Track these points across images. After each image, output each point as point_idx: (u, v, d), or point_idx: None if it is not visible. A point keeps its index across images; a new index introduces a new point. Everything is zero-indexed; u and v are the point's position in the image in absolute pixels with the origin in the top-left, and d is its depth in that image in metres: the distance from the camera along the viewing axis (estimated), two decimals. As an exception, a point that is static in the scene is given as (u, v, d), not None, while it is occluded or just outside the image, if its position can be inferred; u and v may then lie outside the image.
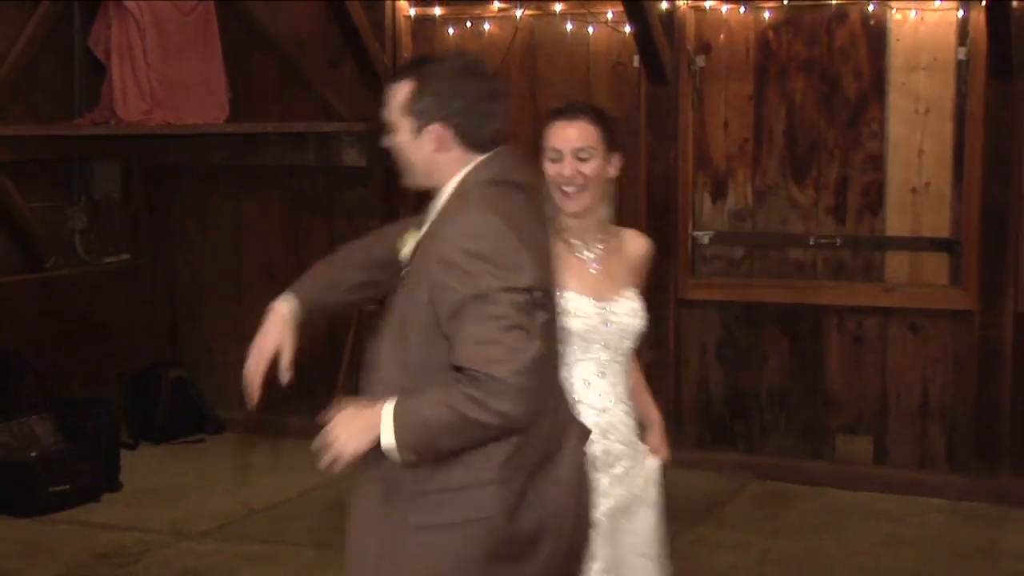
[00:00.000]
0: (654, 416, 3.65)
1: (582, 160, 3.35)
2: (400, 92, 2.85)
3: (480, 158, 2.86)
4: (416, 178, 2.92)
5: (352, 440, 2.68)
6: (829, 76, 6.90)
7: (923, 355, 6.82)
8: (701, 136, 7.12)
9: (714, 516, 6.29)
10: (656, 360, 7.12)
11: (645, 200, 7.21)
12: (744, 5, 6.99)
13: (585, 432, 2.99)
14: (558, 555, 2.87)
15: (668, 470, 6.68)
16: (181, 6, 7.60)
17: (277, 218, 7.98)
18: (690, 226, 7.12)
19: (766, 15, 6.98)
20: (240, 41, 7.91)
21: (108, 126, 7.44)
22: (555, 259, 2.98)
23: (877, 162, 6.85)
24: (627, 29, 7.04)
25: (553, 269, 2.92)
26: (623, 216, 7.24)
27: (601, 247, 3.46)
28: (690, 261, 7.12)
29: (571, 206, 3.36)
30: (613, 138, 3.42)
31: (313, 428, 2.81)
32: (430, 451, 2.69)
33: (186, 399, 8.00)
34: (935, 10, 6.68)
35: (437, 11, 7.56)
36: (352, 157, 7.57)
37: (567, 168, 3.34)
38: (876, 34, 6.80)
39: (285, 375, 3.02)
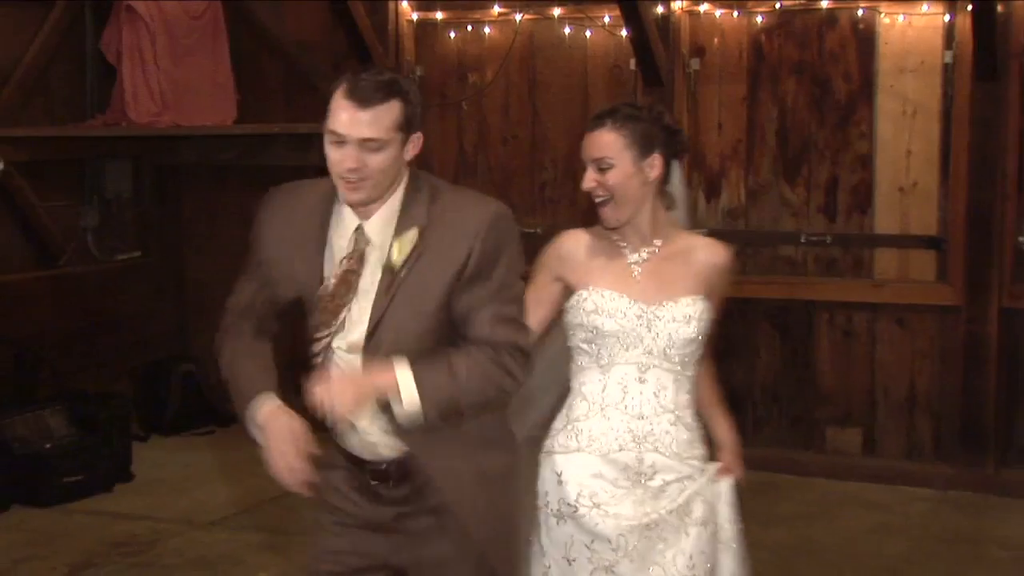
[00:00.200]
0: (724, 434, 3.39)
1: (603, 171, 3.16)
2: (391, 111, 2.83)
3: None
4: (383, 187, 2.89)
5: (352, 398, 2.75)
6: (820, 79, 6.91)
7: (911, 349, 6.84)
8: (695, 137, 7.12)
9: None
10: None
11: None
12: (737, 9, 7.00)
13: None
14: None
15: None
16: (190, 10, 7.61)
17: (283, 216, 7.99)
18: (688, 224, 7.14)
19: (759, 19, 6.99)
20: (248, 44, 7.94)
21: (119, 127, 7.46)
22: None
23: (866, 162, 6.86)
24: (624, 33, 7.05)
25: None
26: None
27: (654, 251, 3.21)
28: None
29: (604, 219, 3.19)
30: (648, 143, 3.14)
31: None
32: (453, 412, 2.85)
33: (196, 392, 8.00)
34: (922, 14, 6.69)
35: (439, 15, 7.58)
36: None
37: (587, 180, 3.19)
38: (865, 38, 6.81)
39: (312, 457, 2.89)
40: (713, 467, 3.26)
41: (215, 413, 8.00)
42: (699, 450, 3.22)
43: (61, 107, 7.68)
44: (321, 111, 3.07)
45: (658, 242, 3.21)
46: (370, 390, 2.79)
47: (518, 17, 7.40)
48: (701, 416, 3.31)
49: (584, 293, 3.19)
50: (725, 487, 3.27)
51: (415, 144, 2.92)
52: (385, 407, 2.85)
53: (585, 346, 3.20)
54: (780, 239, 7.00)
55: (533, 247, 8.32)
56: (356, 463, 3.01)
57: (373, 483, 3.00)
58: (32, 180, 7.30)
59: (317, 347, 2.94)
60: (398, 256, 2.90)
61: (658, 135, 3.16)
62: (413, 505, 2.99)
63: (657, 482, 3.13)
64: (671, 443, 3.15)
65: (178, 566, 5.63)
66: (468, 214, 2.93)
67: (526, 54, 7.49)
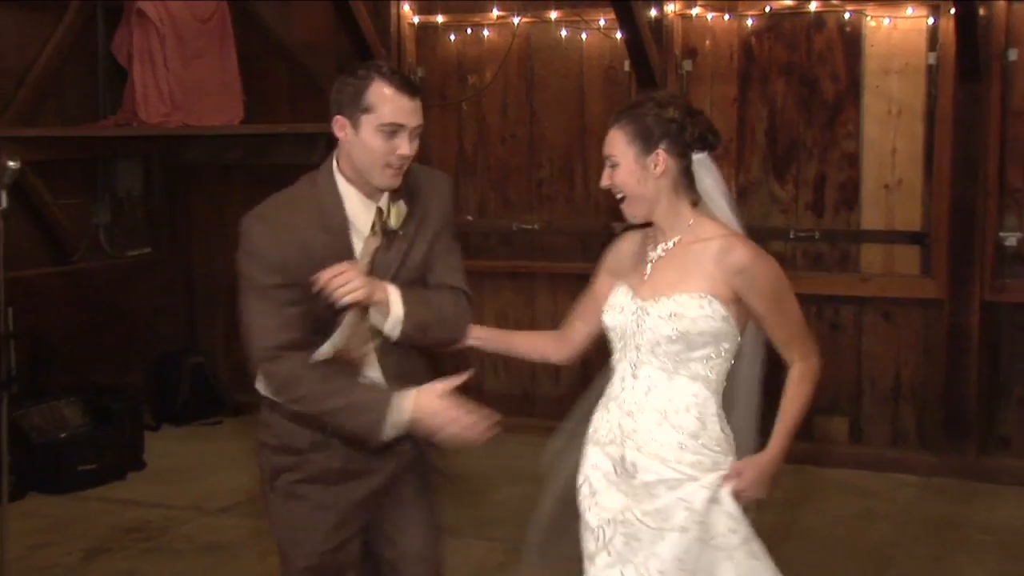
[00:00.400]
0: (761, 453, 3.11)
1: (612, 168, 3.08)
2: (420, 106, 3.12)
3: None
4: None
5: (366, 289, 3.00)
6: (808, 79, 6.92)
7: (896, 341, 6.86)
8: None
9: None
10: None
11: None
12: (728, 13, 7.01)
13: None
14: None
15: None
16: (199, 14, 7.61)
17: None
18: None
19: (749, 22, 7.00)
20: (254, 47, 7.93)
21: (130, 127, 7.47)
22: None
23: (853, 160, 6.87)
24: (618, 35, 7.05)
25: None
26: (615, 210, 7.36)
27: (669, 248, 3.09)
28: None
29: (626, 214, 3.13)
30: (648, 138, 3.01)
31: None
32: (421, 334, 3.19)
33: (205, 383, 8.03)
34: (907, 17, 6.70)
35: (440, 18, 7.60)
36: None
37: (603, 178, 3.12)
38: (852, 40, 6.82)
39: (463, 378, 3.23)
40: (714, 476, 3.01)
41: (223, 403, 8.05)
42: (694, 455, 3.01)
43: (74, 108, 7.69)
44: (325, 112, 3.16)
45: (676, 238, 3.07)
46: (371, 290, 3.02)
47: (516, 20, 7.42)
48: (731, 420, 3.13)
49: (613, 290, 3.19)
50: (724, 495, 3.01)
51: None
52: (377, 333, 3.13)
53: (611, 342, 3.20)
54: (770, 235, 6.97)
55: (530, 242, 8.38)
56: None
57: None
58: (46, 179, 7.31)
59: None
60: (395, 221, 3.16)
61: (661, 131, 3.01)
62: (391, 450, 3.23)
63: (639, 481, 3.05)
64: (651, 443, 3.03)
65: (189, 551, 5.65)
66: (435, 183, 3.30)
67: (524, 56, 7.50)
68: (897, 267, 6.88)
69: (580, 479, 3.25)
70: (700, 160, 3.06)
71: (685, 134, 3.02)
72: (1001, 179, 6.59)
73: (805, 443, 6.98)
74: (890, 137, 6.80)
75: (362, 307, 3.08)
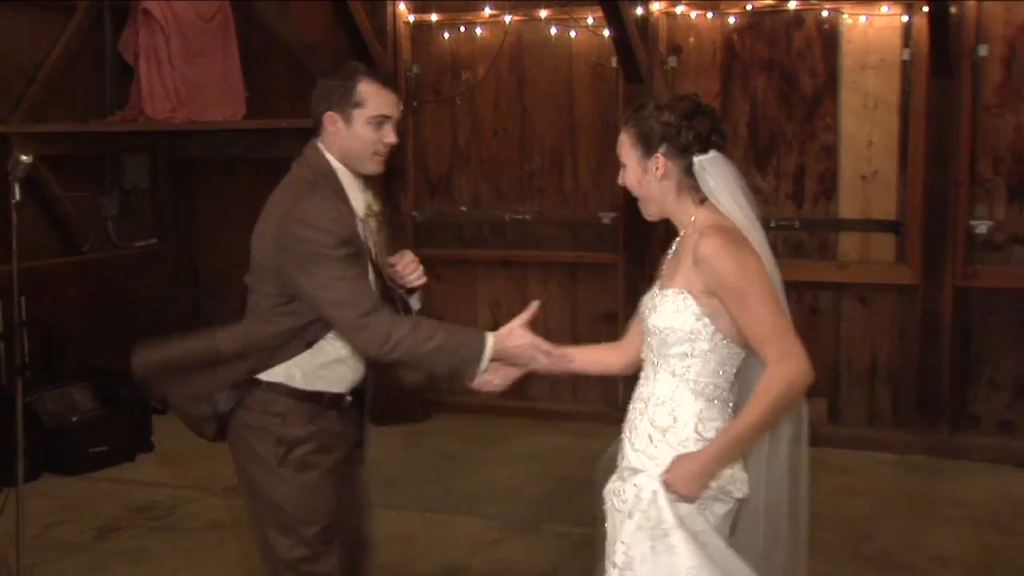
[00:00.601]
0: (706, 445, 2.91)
1: (623, 170, 3.05)
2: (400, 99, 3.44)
3: None
4: None
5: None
6: (788, 75, 6.95)
7: (872, 325, 6.89)
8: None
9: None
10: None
11: (623, 190, 7.25)
12: (711, 11, 7.03)
13: None
14: None
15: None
16: (202, 13, 7.63)
17: (290, 205, 8.03)
18: (663, 210, 7.18)
19: (731, 20, 7.02)
20: (256, 45, 7.96)
21: (137, 123, 7.49)
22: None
23: (831, 152, 6.89)
24: (606, 33, 7.08)
25: None
26: (603, 201, 7.40)
27: (677, 244, 3.06)
28: (664, 242, 7.15)
29: (642, 212, 3.07)
30: (647, 142, 2.95)
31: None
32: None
33: (210, 369, 8.06)
34: (882, 15, 6.73)
35: (434, 17, 7.61)
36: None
37: (619, 178, 3.08)
38: (829, 37, 6.84)
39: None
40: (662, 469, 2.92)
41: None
42: (656, 449, 2.94)
43: (83, 105, 7.70)
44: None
45: (682, 234, 3.02)
46: None
47: (507, 18, 7.44)
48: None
49: None
50: (642, 481, 2.92)
51: None
52: None
53: None
54: (751, 224, 7.03)
55: (522, 232, 8.40)
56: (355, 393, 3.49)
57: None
58: (57, 173, 7.33)
59: None
60: (376, 205, 3.46)
61: (660, 134, 2.94)
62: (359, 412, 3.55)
63: (623, 465, 3.03)
64: (633, 431, 3.01)
65: (196, 529, 5.68)
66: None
67: (515, 53, 7.52)
68: (873, 254, 6.91)
69: None
70: (709, 159, 2.94)
71: (682, 137, 2.92)
72: (972, 170, 6.62)
73: (785, 423, 7.06)
74: (866, 130, 6.82)
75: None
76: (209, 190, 8.31)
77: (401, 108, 3.42)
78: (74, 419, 6.67)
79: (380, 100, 3.31)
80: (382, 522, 5.65)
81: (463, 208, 7.71)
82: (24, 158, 4.78)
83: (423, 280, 3.53)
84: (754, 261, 2.86)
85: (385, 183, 7.68)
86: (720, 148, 2.96)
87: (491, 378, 3.38)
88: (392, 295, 3.46)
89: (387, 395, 7.28)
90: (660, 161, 2.95)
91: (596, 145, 7.41)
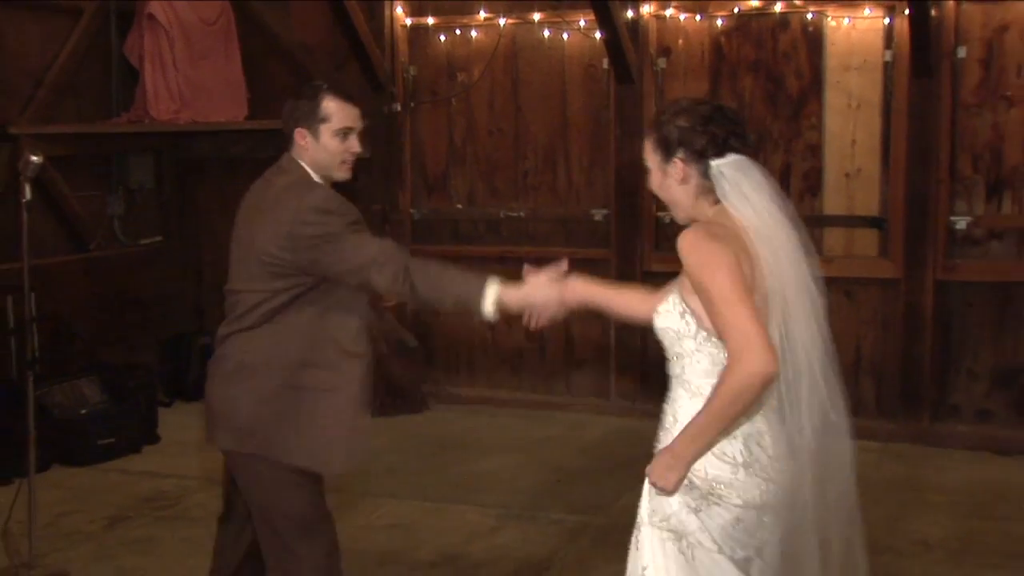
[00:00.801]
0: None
1: (649, 174, 2.99)
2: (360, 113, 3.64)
3: None
4: None
5: None
6: (774, 76, 6.96)
7: (856, 318, 6.90)
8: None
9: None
10: (625, 323, 7.23)
11: (615, 186, 7.28)
12: (700, 14, 7.04)
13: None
14: None
15: (637, 420, 6.73)
16: (205, 17, 7.61)
17: (291, 203, 8.02)
18: (654, 207, 7.15)
19: (719, 23, 7.03)
20: (257, 48, 7.94)
21: (142, 124, 7.47)
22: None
23: (816, 151, 6.90)
24: (598, 35, 7.09)
25: None
26: (595, 198, 7.40)
27: None
28: (654, 238, 7.19)
29: (675, 218, 3.01)
30: (667, 147, 2.90)
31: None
32: None
33: (213, 362, 8.06)
34: (865, 18, 6.74)
35: (430, 20, 7.62)
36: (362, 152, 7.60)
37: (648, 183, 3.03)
38: (814, 39, 6.85)
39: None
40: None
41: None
42: (660, 445, 2.91)
43: (90, 106, 7.68)
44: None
45: None
46: None
47: (502, 21, 7.44)
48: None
49: None
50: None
51: None
52: None
53: None
54: (739, 220, 7.03)
55: (516, 229, 8.40)
56: None
57: None
58: (65, 173, 7.31)
59: None
60: None
61: (676, 139, 2.88)
62: None
63: None
64: (662, 433, 2.96)
65: (202, 518, 5.60)
66: None
67: (509, 55, 7.52)
68: (857, 249, 6.92)
69: None
70: (727, 163, 2.86)
71: (697, 141, 2.86)
72: (952, 168, 6.63)
73: (772, 413, 7.07)
74: (850, 129, 6.83)
75: None
76: (212, 189, 8.30)
77: (362, 120, 3.62)
78: (83, 412, 6.67)
79: (344, 114, 3.54)
80: (382, 511, 5.71)
81: (459, 206, 7.72)
82: (35, 158, 4.78)
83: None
84: (723, 255, 2.74)
85: (384, 181, 7.70)
86: (739, 151, 2.87)
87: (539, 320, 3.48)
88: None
89: (387, 388, 7.31)
90: (678, 165, 2.89)
91: (588, 144, 7.42)
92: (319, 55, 7.85)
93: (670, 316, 2.91)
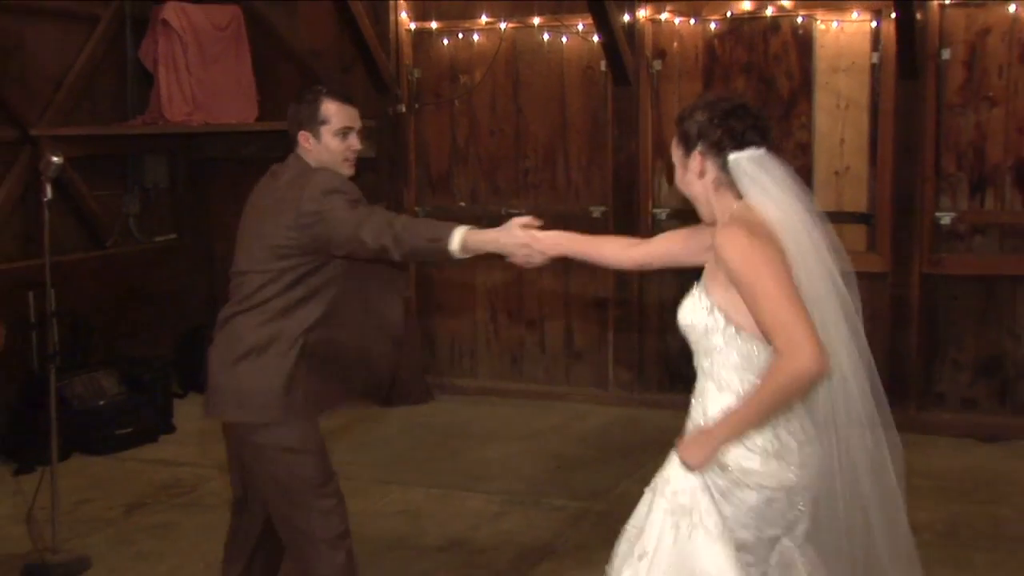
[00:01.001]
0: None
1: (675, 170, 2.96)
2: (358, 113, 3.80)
3: None
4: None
5: None
6: (765, 77, 6.96)
7: (845, 310, 6.93)
8: (659, 128, 7.15)
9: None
10: (623, 315, 7.27)
11: (612, 183, 7.30)
12: (694, 17, 7.05)
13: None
14: None
15: (634, 410, 6.72)
16: (217, 23, 7.61)
17: (300, 202, 8.03)
18: (650, 204, 7.19)
19: (712, 26, 7.04)
20: (267, 52, 7.94)
21: (156, 126, 7.47)
22: None
23: (806, 149, 6.91)
24: (595, 38, 7.09)
25: None
26: (593, 196, 7.42)
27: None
28: (651, 233, 7.20)
29: (700, 215, 2.97)
30: (687, 141, 2.87)
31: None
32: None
33: (226, 355, 8.07)
34: (853, 21, 6.75)
35: (434, 24, 7.62)
36: (363, 149, 7.54)
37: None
38: (804, 42, 6.86)
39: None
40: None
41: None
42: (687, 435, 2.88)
43: (106, 109, 7.69)
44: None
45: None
46: None
47: (503, 25, 7.45)
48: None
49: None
50: (672, 462, 2.87)
51: None
52: None
53: None
54: (732, 217, 7.04)
55: (519, 226, 8.26)
56: None
57: None
58: (82, 173, 7.32)
59: None
60: None
61: (696, 133, 2.84)
62: None
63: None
64: (690, 424, 2.93)
65: (217, 505, 5.63)
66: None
67: (510, 58, 7.53)
68: (846, 244, 6.55)
69: None
70: (746, 156, 2.81)
71: (714, 134, 2.82)
72: (937, 165, 6.65)
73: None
74: (839, 128, 6.84)
75: None
76: (224, 188, 8.28)
77: (360, 121, 3.73)
78: (101, 403, 6.70)
79: (342, 115, 3.65)
80: (390, 497, 5.74)
81: (462, 203, 7.74)
82: (55, 159, 4.81)
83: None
84: (766, 252, 2.70)
85: (389, 180, 7.72)
86: (759, 146, 2.81)
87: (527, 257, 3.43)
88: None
89: (394, 380, 7.33)
90: (697, 159, 2.85)
91: (587, 143, 7.43)
92: (326, 58, 7.86)
93: (696, 312, 2.84)
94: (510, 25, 7.45)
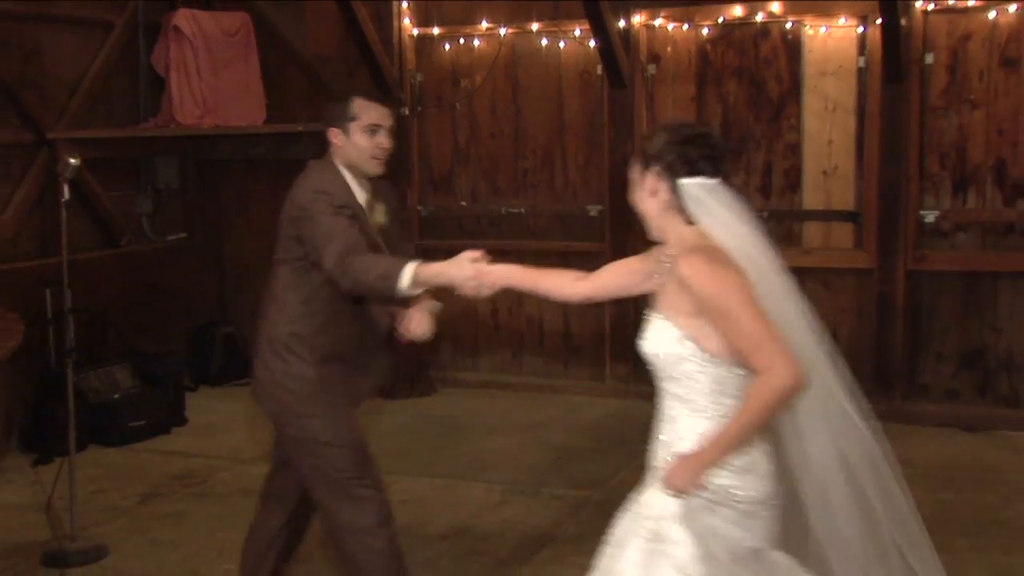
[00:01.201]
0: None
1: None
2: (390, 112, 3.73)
3: None
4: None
5: None
6: (756, 81, 6.97)
7: (833, 305, 6.91)
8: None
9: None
10: (619, 312, 7.29)
11: (608, 183, 7.30)
12: (687, 23, 7.06)
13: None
14: None
15: (630, 402, 6.72)
16: (226, 29, 7.62)
17: (307, 202, 8.04)
18: (644, 204, 7.21)
19: (705, 31, 7.05)
20: (275, 57, 7.95)
21: (168, 128, 7.48)
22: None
23: (795, 150, 6.92)
24: (592, 43, 7.10)
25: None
26: (590, 195, 7.43)
27: (667, 265, 2.86)
28: (644, 233, 7.19)
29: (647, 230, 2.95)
30: (645, 160, 2.87)
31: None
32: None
33: (235, 350, 8.07)
34: (840, 27, 6.76)
35: (436, 30, 7.63)
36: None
37: None
38: (793, 46, 6.87)
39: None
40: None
41: (251, 367, 8.09)
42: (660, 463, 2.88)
43: (120, 113, 7.69)
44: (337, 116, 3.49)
45: (672, 254, 2.85)
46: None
47: (503, 31, 7.46)
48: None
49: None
50: (647, 498, 2.88)
51: None
52: None
53: None
54: (724, 215, 7.04)
55: (516, 224, 8.42)
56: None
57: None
58: (97, 174, 7.32)
59: None
60: (383, 218, 3.74)
61: (652, 154, 2.85)
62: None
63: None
64: (655, 451, 2.92)
65: (228, 494, 5.72)
66: (391, 188, 3.93)
67: (509, 62, 7.54)
68: (834, 241, 6.94)
69: None
70: (696, 184, 2.80)
71: (669, 159, 2.81)
72: (921, 165, 6.66)
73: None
74: (827, 130, 6.85)
75: None
76: (233, 188, 8.32)
77: (392, 119, 3.68)
78: (116, 396, 6.71)
79: (372, 112, 3.62)
80: (395, 487, 5.73)
81: (463, 203, 7.75)
82: (73, 161, 4.82)
83: (426, 336, 3.66)
84: (732, 277, 2.72)
85: (392, 180, 7.72)
86: (711, 176, 2.80)
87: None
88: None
89: (397, 372, 7.35)
90: (651, 179, 2.85)
91: (583, 145, 7.45)
92: (332, 63, 7.86)
93: (664, 342, 2.81)
94: (510, 30, 7.46)
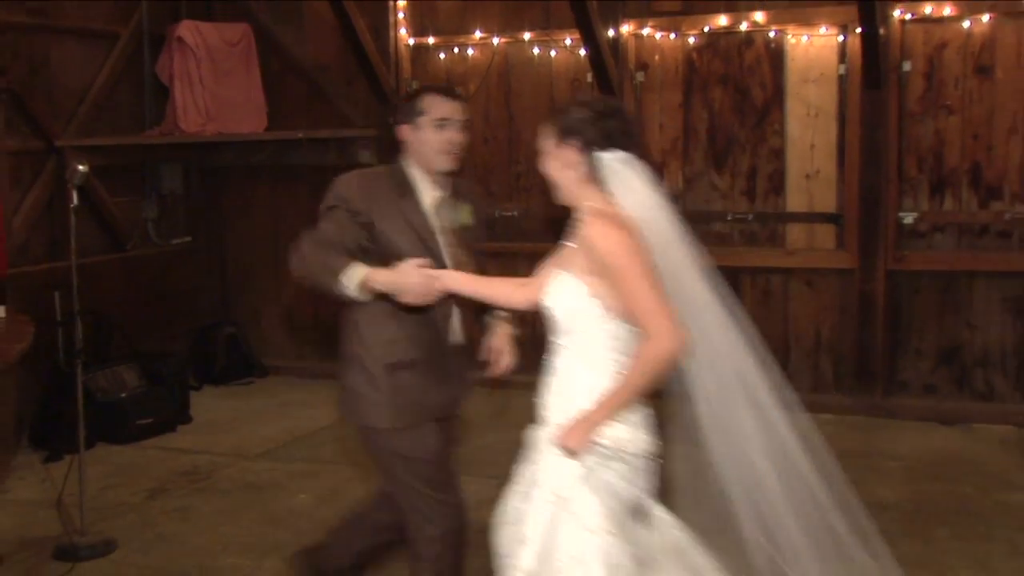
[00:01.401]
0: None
1: (542, 156, 2.99)
2: (460, 106, 3.57)
3: None
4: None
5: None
6: (740, 87, 6.99)
7: (816, 304, 6.94)
8: (641, 135, 7.17)
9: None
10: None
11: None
12: (674, 32, 7.06)
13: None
14: None
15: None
16: (228, 39, 7.62)
17: (306, 207, 7.90)
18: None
19: (691, 40, 7.06)
20: (276, 66, 7.94)
21: (172, 136, 7.47)
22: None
23: (779, 154, 6.93)
24: (582, 52, 7.12)
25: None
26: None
27: (575, 230, 2.93)
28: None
29: (554, 197, 3.02)
30: (561, 132, 2.90)
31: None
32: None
33: (238, 350, 8.08)
34: (821, 35, 6.78)
35: (431, 40, 7.64)
36: (366, 157, 7.59)
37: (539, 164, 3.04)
38: (776, 54, 6.88)
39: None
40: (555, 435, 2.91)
41: (254, 367, 8.08)
42: (562, 420, 2.93)
43: (125, 121, 7.67)
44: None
45: (580, 224, 2.92)
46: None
47: (496, 41, 7.47)
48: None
49: None
50: (547, 453, 2.94)
51: None
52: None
53: None
54: (711, 217, 7.04)
55: (510, 226, 8.45)
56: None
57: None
58: (103, 181, 7.31)
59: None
60: (467, 218, 3.60)
61: (570, 126, 2.89)
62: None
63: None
64: (541, 410, 3.01)
65: (232, 490, 5.72)
66: (475, 188, 3.79)
67: (502, 71, 7.55)
68: (817, 242, 6.94)
69: None
70: (611, 157, 2.87)
71: (587, 132, 2.87)
72: (900, 169, 6.68)
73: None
74: (809, 135, 6.86)
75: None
76: (235, 193, 8.30)
77: (462, 113, 3.53)
78: (123, 395, 6.70)
79: (441, 107, 3.47)
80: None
81: (459, 206, 7.74)
82: (81, 167, 4.83)
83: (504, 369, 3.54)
84: (635, 245, 2.79)
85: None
86: (626, 149, 2.87)
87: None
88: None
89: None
90: (568, 151, 2.89)
91: (574, 151, 7.44)
92: (331, 72, 7.86)
93: (570, 296, 2.87)
94: (502, 40, 7.46)
